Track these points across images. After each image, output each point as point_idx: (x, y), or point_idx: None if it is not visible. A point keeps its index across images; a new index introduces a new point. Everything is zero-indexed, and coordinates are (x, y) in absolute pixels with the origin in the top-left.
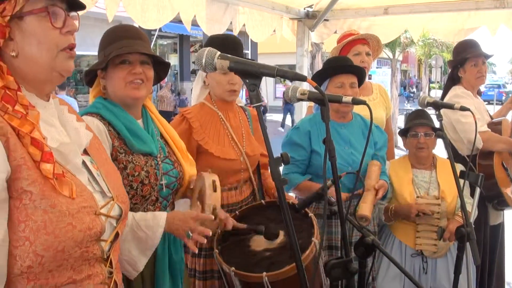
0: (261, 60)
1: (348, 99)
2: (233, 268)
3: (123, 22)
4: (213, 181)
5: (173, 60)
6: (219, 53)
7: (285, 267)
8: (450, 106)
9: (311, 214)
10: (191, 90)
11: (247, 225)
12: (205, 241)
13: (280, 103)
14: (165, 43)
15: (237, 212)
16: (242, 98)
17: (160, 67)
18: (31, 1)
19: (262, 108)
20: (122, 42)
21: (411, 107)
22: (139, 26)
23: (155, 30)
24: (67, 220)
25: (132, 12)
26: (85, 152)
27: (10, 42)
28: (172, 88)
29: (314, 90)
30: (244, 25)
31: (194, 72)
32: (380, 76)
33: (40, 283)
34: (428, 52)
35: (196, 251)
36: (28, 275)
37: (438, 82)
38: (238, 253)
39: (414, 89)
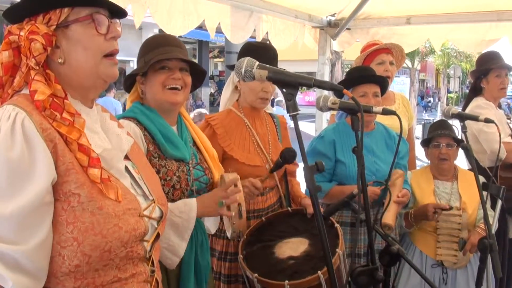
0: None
1: (378, 109)
2: (256, 274)
3: (145, 28)
4: (234, 180)
5: (205, 76)
6: (257, 63)
7: (308, 276)
8: (474, 118)
9: (336, 225)
10: (209, 95)
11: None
12: (241, 193)
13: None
14: None
15: (263, 218)
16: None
17: (196, 75)
18: (76, 10)
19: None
20: (163, 49)
21: (429, 117)
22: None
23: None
24: (114, 221)
25: (159, 18)
26: (126, 157)
27: (56, 50)
28: (191, 95)
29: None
30: (267, 32)
31: (212, 77)
32: (398, 85)
33: (87, 282)
34: (446, 62)
35: (232, 215)
36: (76, 274)
37: (456, 92)
38: (262, 260)
39: (430, 99)
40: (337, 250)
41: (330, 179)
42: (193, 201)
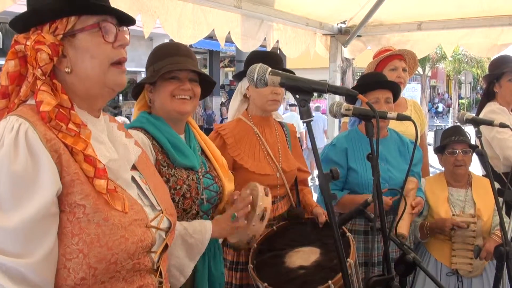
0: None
1: (393, 115)
2: (265, 284)
3: (155, 38)
4: (265, 188)
5: (214, 86)
6: (270, 69)
7: (318, 286)
8: (489, 123)
9: (348, 234)
10: (220, 104)
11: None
12: (249, 208)
13: None
14: None
15: (274, 227)
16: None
17: (206, 85)
18: (82, 18)
19: None
20: (173, 58)
21: (441, 123)
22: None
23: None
24: (120, 232)
25: (169, 28)
26: (134, 167)
27: (63, 59)
28: (201, 103)
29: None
30: (277, 41)
31: (223, 87)
32: (409, 92)
33: None
34: (457, 67)
35: (245, 223)
36: (82, 287)
37: (467, 98)
38: (272, 269)
39: (438, 105)
40: (348, 259)
41: (342, 188)
42: (208, 223)
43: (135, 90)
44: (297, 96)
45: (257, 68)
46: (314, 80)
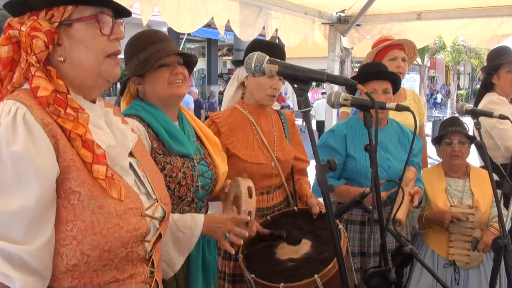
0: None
1: (392, 105)
2: (253, 275)
3: (153, 26)
4: (249, 187)
5: (200, 64)
6: (268, 57)
7: (304, 280)
8: (489, 114)
9: (340, 226)
10: (218, 93)
11: (270, 231)
12: (241, 242)
13: None
14: (193, 46)
15: (268, 217)
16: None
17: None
18: (80, 8)
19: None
20: (156, 46)
21: (439, 114)
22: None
23: (184, 34)
24: (115, 221)
25: (167, 16)
26: (131, 154)
27: (58, 47)
28: (199, 92)
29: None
30: (276, 30)
31: (221, 76)
32: (408, 82)
33: (84, 282)
34: (456, 58)
35: (233, 253)
36: (73, 273)
37: (466, 89)
38: (262, 260)
39: (437, 95)
40: None
41: (340, 175)
42: (200, 219)
43: (124, 85)
44: (295, 86)
45: (255, 56)
46: (312, 69)
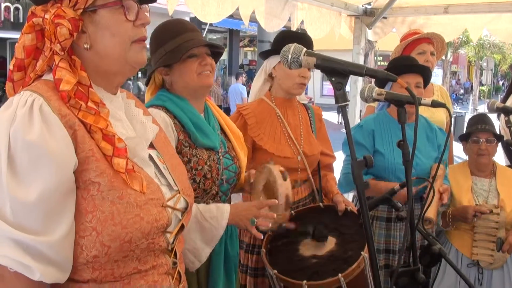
0: None
1: (427, 101)
2: (275, 271)
3: (177, 16)
4: (282, 171)
5: (222, 54)
6: (305, 49)
7: (328, 278)
8: None
9: None
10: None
11: (296, 225)
12: (270, 225)
13: (327, 100)
14: (215, 37)
15: (292, 212)
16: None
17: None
18: None
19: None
20: (184, 36)
21: (461, 109)
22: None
23: (206, 24)
24: (135, 211)
25: (193, 5)
26: (151, 146)
27: (82, 35)
28: (220, 83)
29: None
30: (302, 21)
31: (242, 67)
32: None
33: (105, 273)
34: (479, 53)
35: (261, 237)
36: (94, 265)
37: (488, 85)
38: (285, 256)
39: (462, 91)
40: (362, 252)
41: (366, 171)
42: (226, 208)
43: (149, 76)
44: (333, 79)
45: (292, 48)
46: (351, 63)
